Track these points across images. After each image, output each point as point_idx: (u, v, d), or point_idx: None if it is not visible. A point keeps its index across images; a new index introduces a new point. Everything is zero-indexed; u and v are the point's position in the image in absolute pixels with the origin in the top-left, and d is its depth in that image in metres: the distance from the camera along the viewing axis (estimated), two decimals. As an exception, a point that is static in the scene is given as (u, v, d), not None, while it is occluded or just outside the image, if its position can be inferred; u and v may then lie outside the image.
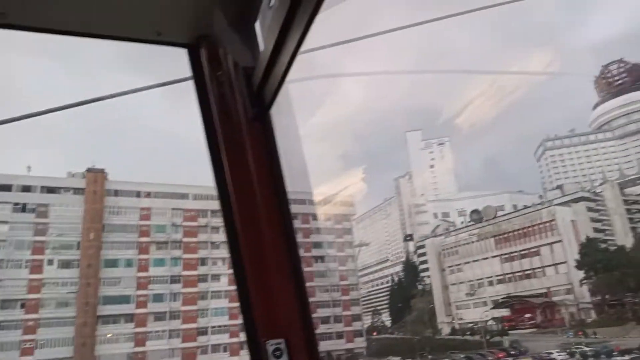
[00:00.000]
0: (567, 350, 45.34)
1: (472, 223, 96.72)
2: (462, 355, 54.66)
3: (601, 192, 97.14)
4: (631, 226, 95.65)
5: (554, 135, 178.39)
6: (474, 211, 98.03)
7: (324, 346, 74.06)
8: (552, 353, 43.82)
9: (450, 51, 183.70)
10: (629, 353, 40.95)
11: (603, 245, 68.23)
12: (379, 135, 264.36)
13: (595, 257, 62.35)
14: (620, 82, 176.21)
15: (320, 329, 76.66)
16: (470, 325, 73.04)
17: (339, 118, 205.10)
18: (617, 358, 40.27)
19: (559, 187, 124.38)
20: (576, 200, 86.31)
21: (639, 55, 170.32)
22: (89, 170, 72.82)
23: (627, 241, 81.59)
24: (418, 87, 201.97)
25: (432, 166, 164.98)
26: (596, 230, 79.72)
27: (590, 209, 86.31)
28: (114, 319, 68.78)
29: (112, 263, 70.74)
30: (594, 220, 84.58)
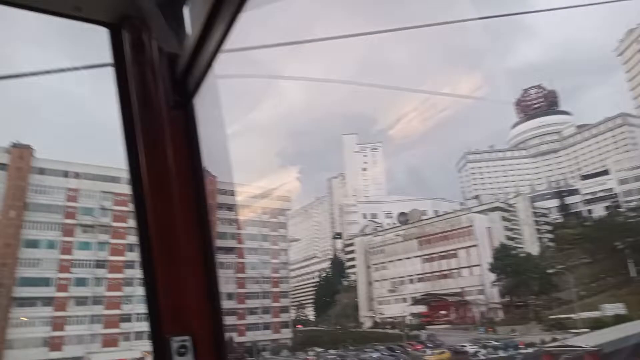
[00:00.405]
0: (479, 344, 50.12)
1: (398, 225, 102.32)
2: (382, 347, 58.19)
3: (514, 203, 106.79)
4: (537, 236, 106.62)
5: (475, 150, 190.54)
6: (402, 213, 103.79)
7: (251, 336, 75.20)
8: (465, 346, 48.30)
9: (389, 65, 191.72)
10: (532, 346, 46.16)
11: (514, 252, 75.35)
12: (316, 135, 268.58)
13: (506, 262, 68.98)
14: (537, 105, 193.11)
15: (249, 319, 77.74)
16: (391, 319, 77.64)
17: (278, 116, 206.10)
18: (522, 351, 45.35)
19: (477, 196, 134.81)
20: (492, 210, 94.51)
21: (557, 81, 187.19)
22: (14, 145, 68.19)
23: (534, 249, 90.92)
24: (357, 95, 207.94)
25: (364, 169, 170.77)
26: (508, 237, 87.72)
27: (504, 218, 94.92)
28: (30, 301, 65.17)
29: (33, 244, 66.93)
30: (506, 228, 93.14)
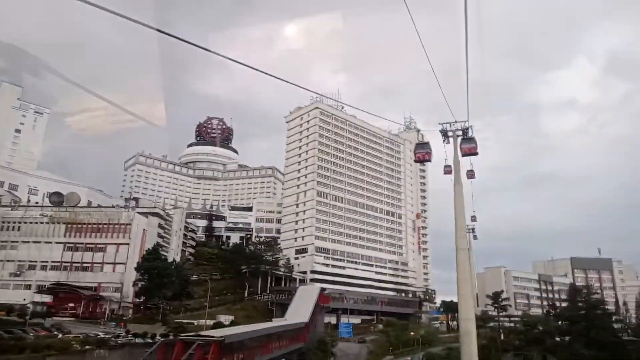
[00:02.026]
0: (111, 335, 50.73)
1: (49, 205, 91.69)
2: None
3: (172, 214, 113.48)
4: (182, 248, 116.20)
5: (148, 154, 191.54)
6: (56, 193, 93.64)
7: None
8: (99, 334, 47.99)
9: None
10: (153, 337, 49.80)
11: (162, 257, 79.81)
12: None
13: (153, 264, 72.33)
14: (214, 135, 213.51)
15: None
16: (10, 304, 67.65)
17: None
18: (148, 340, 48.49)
19: (136, 198, 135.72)
20: (153, 214, 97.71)
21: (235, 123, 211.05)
22: None
23: (177, 259, 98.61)
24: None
25: (18, 130, 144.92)
26: (159, 243, 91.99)
27: (160, 225, 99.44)
28: None
29: None
30: (159, 235, 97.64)
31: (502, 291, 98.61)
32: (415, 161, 36.34)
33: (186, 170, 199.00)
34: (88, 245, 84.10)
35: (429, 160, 37.61)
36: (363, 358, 73.03)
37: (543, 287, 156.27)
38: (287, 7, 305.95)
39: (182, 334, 39.09)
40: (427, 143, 37.95)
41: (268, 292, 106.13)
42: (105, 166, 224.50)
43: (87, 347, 35.53)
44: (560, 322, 73.98)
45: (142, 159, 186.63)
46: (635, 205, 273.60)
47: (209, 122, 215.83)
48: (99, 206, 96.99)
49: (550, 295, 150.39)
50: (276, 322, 60.57)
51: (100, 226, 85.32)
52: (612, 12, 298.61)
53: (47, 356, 32.33)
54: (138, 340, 43.32)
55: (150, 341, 41.01)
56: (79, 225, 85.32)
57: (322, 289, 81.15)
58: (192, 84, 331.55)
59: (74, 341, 36.93)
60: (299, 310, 68.60)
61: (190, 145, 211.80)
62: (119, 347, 37.53)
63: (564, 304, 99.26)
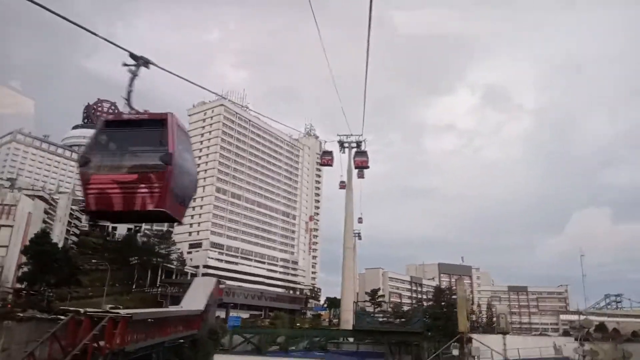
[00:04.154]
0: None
1: None
2: None
3: (57, 199, 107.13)
4: (65, 236, 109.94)
5: (28, 132, 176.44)
6: None
7: None
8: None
9: None
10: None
11: (53, 241, 75.85)
12: None
13: (43, 249, 68.75)
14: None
15: None
16: None
17: None
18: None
19: (11, 179, 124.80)
20: (38, 197, 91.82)
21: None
22: None
23: (59, 245, 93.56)
24: None
25: None
26: (43, 229, 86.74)
27: (46, 210, 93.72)
28: None
29: None
30: (45, 220, 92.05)
31: (379, 289, 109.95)
32: (321, 165, 43.88)
33: (69, 153, 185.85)
34: (-39, 225, 77.02)
35: (331, 165, 45.24)
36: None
37: (414, 287, 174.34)
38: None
39: (89, 310, 40.30)
40: (331, 151, 45.76)
41: (157, 284, 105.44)
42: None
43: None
44: (425, 318, 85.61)
45: (20, 137, 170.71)
46: (494, 222, 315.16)
47: (100, 104, 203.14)
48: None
49: (420, 296, 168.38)
50: (173, 308, 62.74)
51: (-22, 206, 78.59)
52: (494, 49, 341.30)
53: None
54: (42, 315, 43.01)
55: (52, 317, 41.32)
56: (-48, 203, 77.78)
57: (219, 281, 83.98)
58: (82, 63, 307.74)
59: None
60: (195, 299, 70.91)
61: (75, 127, 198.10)
62: (26, 320, 37.68)
63: (429, 303, 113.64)
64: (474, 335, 42.74)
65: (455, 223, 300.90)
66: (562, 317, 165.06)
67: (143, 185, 7.67)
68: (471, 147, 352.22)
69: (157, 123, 8.16)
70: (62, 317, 38.74)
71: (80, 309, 36.82)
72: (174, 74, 10.99)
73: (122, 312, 40.79)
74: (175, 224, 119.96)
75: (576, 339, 44.17)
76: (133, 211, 7.92)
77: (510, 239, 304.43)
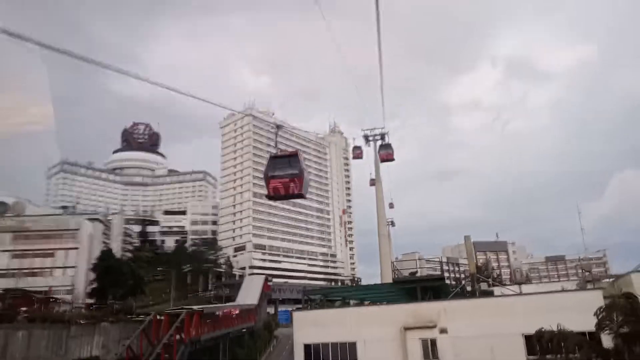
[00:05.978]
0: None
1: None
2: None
3: (111, 220, 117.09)
4: (122, 253, 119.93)
5: (73, 161, 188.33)
6: (1, 203, 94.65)
7: None
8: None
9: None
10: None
11: (116, 258, 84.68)
12: None
13: (109, 264, 77.21)
14: (141, 141, 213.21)
15: None
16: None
17: None
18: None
19: (66, 207, 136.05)
20: (96, 220, 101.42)
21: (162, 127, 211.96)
22: None
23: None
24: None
25: None
26: (105, 247, 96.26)
27: (103, 231, 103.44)
28: None
29: None
30: (103, 241, 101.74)
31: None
32: (353, 158, 52.42)
33: (112, 177, 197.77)
34: (36, 252, 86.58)
35: (361, 158, 53.51)
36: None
37: (451, 268, 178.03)
38: (203, 4, 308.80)
39: (167, 309, 47.74)
40: (360, 146, 53.08)
41: (210, 288, 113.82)
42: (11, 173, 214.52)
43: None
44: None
45: (67, 167, 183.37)
46: (529, 194, 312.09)
47: (135, 127, 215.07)
48: (37, 214, 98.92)
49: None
50: (232, 304, 70.20)
51: (47, 232, 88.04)
52: (509, 18, 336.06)
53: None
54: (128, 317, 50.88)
55: (135, 318, 48.86)
56: (27, 233, 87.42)
57: (266, 277, 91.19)
58: (111, 85, 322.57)
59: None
60: (248, 295, 78.33)
61: (116, 151, 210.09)
62: (116, 322, 45.31)
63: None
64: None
65: (490, 200, 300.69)
66: (603, 281, 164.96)
67: (292, 183, 16.89)
68: (500, 120, 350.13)
69: (294, 154, 17.98)
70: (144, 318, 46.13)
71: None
72: (211, 102, 17.82)
73: (195, 307, 48.12)
74: (220, 231, 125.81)
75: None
76: (288, 194, 17.21)
77: (546, 208, 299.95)
